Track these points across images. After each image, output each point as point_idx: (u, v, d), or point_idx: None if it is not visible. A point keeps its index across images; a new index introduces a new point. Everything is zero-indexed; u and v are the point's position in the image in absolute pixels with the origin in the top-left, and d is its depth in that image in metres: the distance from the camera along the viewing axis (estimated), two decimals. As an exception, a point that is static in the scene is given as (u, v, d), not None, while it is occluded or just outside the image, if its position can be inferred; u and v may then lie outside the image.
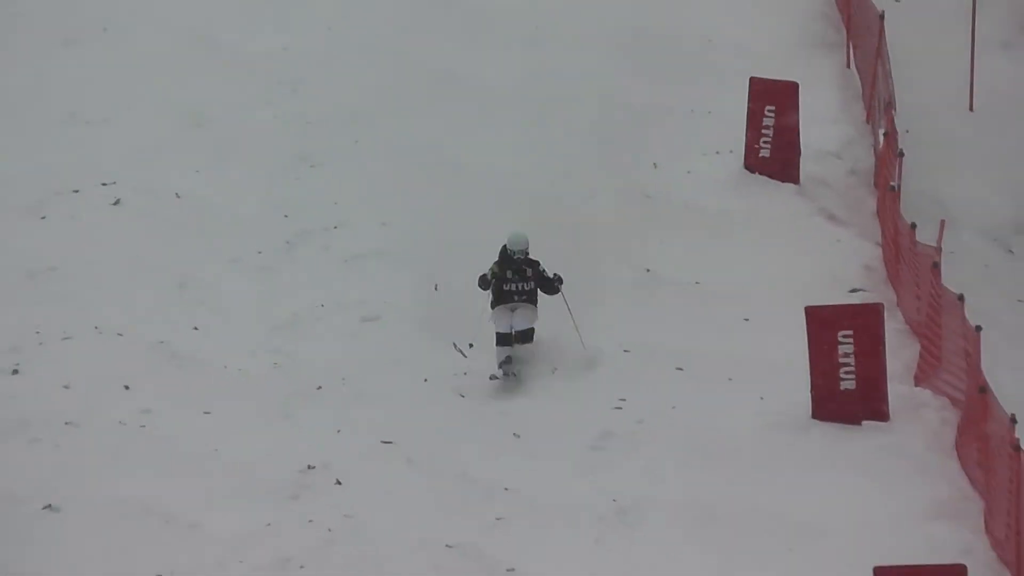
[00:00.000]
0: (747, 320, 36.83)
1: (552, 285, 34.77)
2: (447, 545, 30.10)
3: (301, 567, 30.19)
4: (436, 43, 47.27)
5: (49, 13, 48.11)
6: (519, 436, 33.10)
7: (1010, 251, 41.02)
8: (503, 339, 34.70)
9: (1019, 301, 38.72)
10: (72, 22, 47.65)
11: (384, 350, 35.76)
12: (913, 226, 36.61)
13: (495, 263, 34.86)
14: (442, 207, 40.47)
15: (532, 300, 34.97)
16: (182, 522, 31.35)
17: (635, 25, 46.95)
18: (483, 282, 34.90)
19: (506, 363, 34.50)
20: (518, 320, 34.82)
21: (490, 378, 34.53)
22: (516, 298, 34.87)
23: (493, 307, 34.90)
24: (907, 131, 41.14)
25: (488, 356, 34.94)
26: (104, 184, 40.99)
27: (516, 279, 34.75)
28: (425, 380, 34.80)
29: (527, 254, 34.73)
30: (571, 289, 36.83)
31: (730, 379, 35.35)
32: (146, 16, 47.86)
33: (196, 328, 36.97)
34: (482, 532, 30.74)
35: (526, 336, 34.90)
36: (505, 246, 34.83)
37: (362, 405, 33.99)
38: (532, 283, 34.83)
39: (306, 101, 44.30)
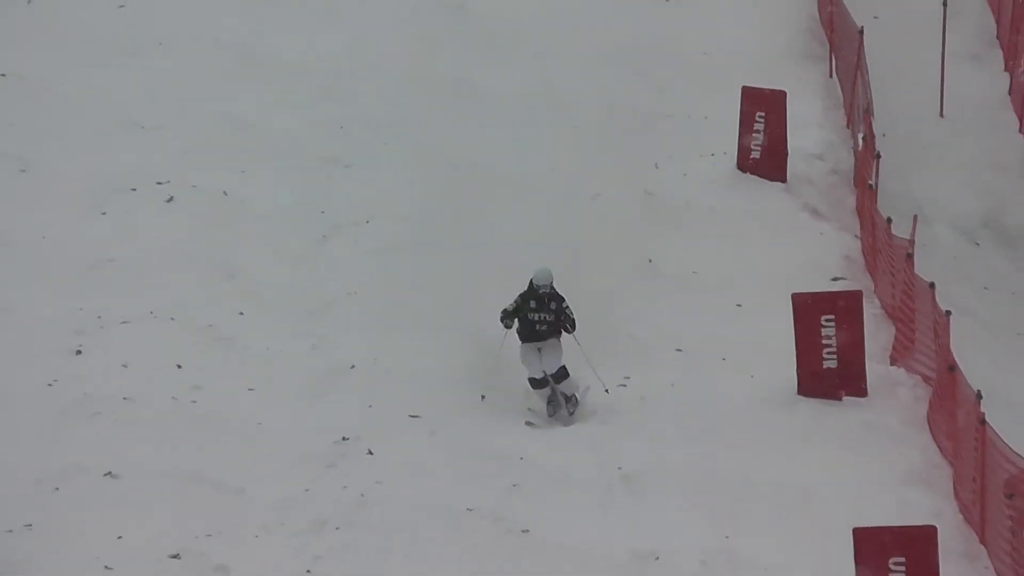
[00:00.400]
0: (739, 306, 37.23)
1: (568, 325, 33.52)
2: (468, 508, 30.53)
3: (336, 528, 30.70)
4: (454, 55, 47.18)
5: (110, 28, 48.04)
6: (532, 410, 33.56)
7: (976, 243, 41.04)
8: (537, 383, 33.75)
9: (985, 289, 39.00)
10: (130, 36, 47.56)
11: (410, 334, 35.71)
12: (889, 221, 37.04)
13: (519, 295, 33.68)
14: (462, 203, 40.42)
15: (555, 332, 33.72)
16: (229, 488, 31.89)
17: (637, 38, 46.70)
18: (504, 315, 33.75)
19: (551, 405, 33.69)
20: (547, 362, 33.71)
21: (526, 423, 33.62)
22: (538, 327, 33.58)
23: (522, 341, 33.85)
24: (884, 135, 41.25)
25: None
26: (159, 183, 41.17)
27: (538, 309, 33.45)
28: (447, 361, 34.54)
29: (552, 288, 33.55)
30: (582, 278, 36.65)
31: (724, 359, 35.82)
32: (196, 32, 47.88)
33: (241, 313, 37.15)
34: (499, 497, 31.12)
35: (561, 375, 33.63)
36: (532, 280, 33.65)
37: (391, 383, 34.10)
38: (553, 315, 33.47)
39: (338, 107, 44.57)
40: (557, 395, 33.55)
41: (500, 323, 33.64)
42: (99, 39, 48.01)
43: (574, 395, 33.57)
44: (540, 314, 33.41)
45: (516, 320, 33.66)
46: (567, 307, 33.51)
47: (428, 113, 44.40)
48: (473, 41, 47.90)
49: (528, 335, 33.52)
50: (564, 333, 33.60)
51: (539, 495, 30.89)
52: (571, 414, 33.51)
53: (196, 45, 47.55)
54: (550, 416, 33.50)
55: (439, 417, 33.28)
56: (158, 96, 45.25)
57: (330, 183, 41.78)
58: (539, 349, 33.54)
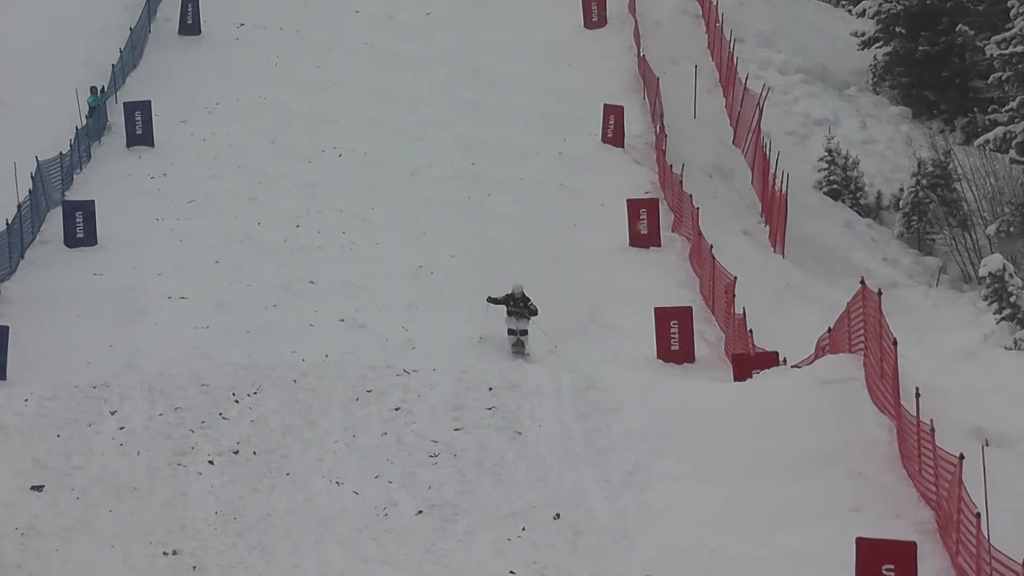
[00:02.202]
0: (603, 205, 35.98)
1: (534, 312, 29.13)
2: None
3: (416, 306, 30.57)
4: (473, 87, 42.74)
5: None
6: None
7: (710, 176, 40.08)
8: (511, 333, 29.36)
9: (714, 197, 38.16)
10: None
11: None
12: (671, 166, 37.26)
13: (503, 295, 29.24)
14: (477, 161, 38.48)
15: (525, 316, 29.21)
16: (367, 288, 31.20)
17: (554, 85, 43.28)
18: (489, 299, 29.33)
19: (516, 347, 29.15)
20: (521, 324, 29.19)
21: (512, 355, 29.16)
22: (516, 313, 29.14)
23: (507, 315, 29.34)
24: (668, 126, 39.72)
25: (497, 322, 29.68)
26: (335, 148, 38.75)
27: (515, 308, 29.02)
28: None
29: (523, 293, 29.13)
30: (529, 193, 36.71)
31: (595, 229, 34.60)
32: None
33: (373, 208, 35.23)
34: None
35: (524, 332, 29.24)
36: (512, 288, 29.25)
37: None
38: (524, 307, 28.99)
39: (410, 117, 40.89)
40: (519, 342, 29.24)
41: (487, 301, 29.41)
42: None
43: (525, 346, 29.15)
44: (517, 310, 29.16)
45: (504, 307, 29.28)
46: (531, 303, 29.31)
47: (463, 113, 41.37)
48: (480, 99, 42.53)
49: (511, 315, 29.21)
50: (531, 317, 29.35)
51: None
52: (526, 354, 29.07)
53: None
54: (513, 352, 28.91)
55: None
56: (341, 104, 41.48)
57: (413, 146, 39.35)
58: (517, 318, 29.19)
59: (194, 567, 19.71)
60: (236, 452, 22.31)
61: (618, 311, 30.66)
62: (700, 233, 32.76)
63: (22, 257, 32.50)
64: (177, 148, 38.58)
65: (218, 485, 21.36)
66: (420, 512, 20.70)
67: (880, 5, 51.82)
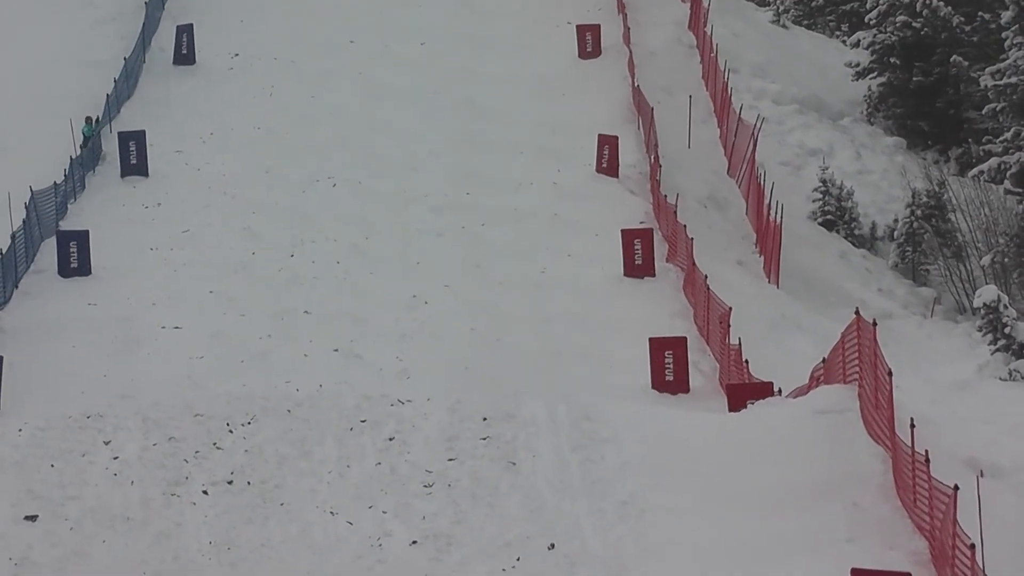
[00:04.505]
0: (596, 235, 36.15)
1: None
2: (472, 328, 30.67)
3: (413, 336, 30.75)
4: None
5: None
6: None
7: (704, 207, 40.02)
8: None
9: (709, 228, 38.32)
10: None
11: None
12: (665, 196, 37.38)
13: None
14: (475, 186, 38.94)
15: None
16: (360, 318, 31.30)
17: (553, 118, 43.07)
18: None
19: None
20: None
21: None
22: None
23: None
24: (663, 156, 39.54)
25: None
26: (329, 178, 38.74)
27: None
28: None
29: None
30: (525, 216, 36.95)
31: (591, 259, 34.81)
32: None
33: (367, 238, 35.32)
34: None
35: None
36: None
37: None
38: None
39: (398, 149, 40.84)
40: None
41: None
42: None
43: None
44: None
45: None
46: None
47: (457, 143, 41.38)
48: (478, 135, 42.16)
49: None
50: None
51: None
52: None
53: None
54: None
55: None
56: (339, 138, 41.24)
57: (407, 176, 39.26)
58: None
59: (188, 597, 19.80)
60: (230, 482, 22.34)
61: (612, 341, 30.67)
62: (694, 263, 32.88)
63: (16, 287, 32.61)
64: (171, 178, 38.69)
65: (212, 515, 21.39)
66: (414, 543, 20.72)
67: (874, 36, 52.26)
